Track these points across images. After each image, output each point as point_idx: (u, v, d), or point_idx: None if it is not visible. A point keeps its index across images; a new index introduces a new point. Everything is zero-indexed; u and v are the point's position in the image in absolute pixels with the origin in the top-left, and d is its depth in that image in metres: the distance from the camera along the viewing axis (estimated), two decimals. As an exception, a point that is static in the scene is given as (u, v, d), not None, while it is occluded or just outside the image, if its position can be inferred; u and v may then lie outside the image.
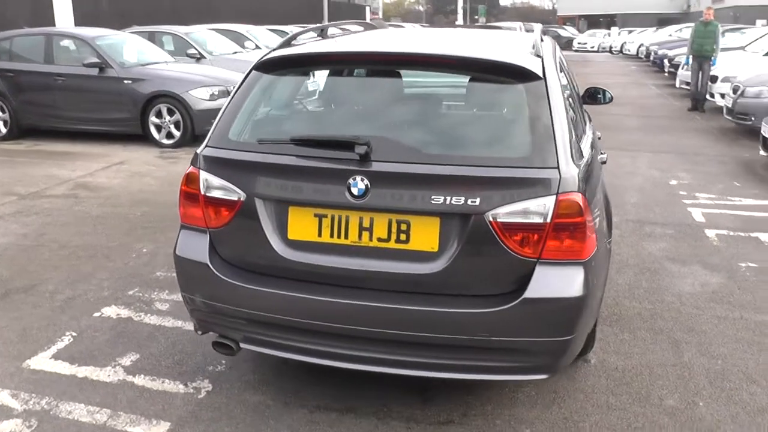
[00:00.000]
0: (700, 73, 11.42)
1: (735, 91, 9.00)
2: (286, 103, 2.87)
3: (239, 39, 12.81)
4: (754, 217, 5.71)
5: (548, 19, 67.26)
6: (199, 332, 2.88)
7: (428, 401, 2.98)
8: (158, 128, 8.46)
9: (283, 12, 24.73)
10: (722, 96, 10.61)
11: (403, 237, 2.48)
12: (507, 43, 3.11)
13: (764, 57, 11.27)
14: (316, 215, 2.53)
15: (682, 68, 13.51)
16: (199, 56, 10.84)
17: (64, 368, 3.27)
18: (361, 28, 3.88)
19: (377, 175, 2.43)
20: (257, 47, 12.88)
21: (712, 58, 11.12)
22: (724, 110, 9.62)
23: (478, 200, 2.39)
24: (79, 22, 13.80)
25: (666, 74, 18.60)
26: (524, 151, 2.47)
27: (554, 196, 2.39)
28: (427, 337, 2.48)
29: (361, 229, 2.50)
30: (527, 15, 74.58)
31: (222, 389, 3.08)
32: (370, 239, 2.50)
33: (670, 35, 28.39)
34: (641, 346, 3.52)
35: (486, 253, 2.44)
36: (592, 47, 41.78)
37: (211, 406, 2.96)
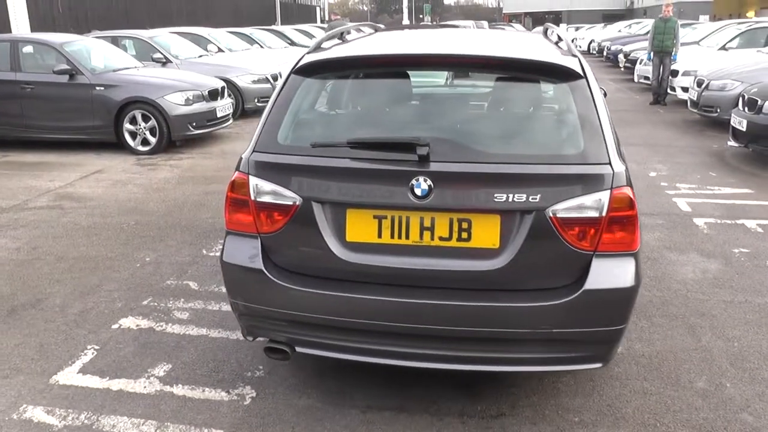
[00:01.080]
0: (661, 67, 11.85)
1: (699, 84, 9.39)
2: (331, 107, 2.87)
3: (200, 42, 12.60)
4: (736, 205, 5.98)
5: (493, 16, 68.41)
6: (249, 338, 2.86)
7: (476, 396, 3.03)
8: (133, 135, 8.26)
9: (236, 13, 24.42)
10: (684, 90, 11.06)
11: (464, 235, 2.52)
12: (533, 44, 3.19)
13: (719, 51, 11.79)
14: (375, 217, 2.55)
15: (642, 63, 14.00)
16: (165, 60, 10.62)
17: (95, 382, 3.19)
18: (371, 30, 3.91)
19: (440, 175, 2.47)
20: (220, 50, 12.70)
21: (673, 53, 11.54)
22: (689, 103, 10.02)
23: (538, 197, 2.46)
24: (35, 27, 13.32)
25: (622, 69, 19.20)
26: (577, 148, 2.55)
27: (609, 191, 2.49)
28: (490, 332, 2.53)
29: (423, 228, 2.53)
30: (472, 13, 75.69)
31: (267, 394, 3.06)
32: (432, 239, 2.54)
33: (620, 31, 29.27)
34: (660, 332, 3.66)
35: (546, 248, 2.51)
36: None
37: (260, 412, 2.94)
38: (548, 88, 2.72)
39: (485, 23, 28.66)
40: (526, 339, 2.55)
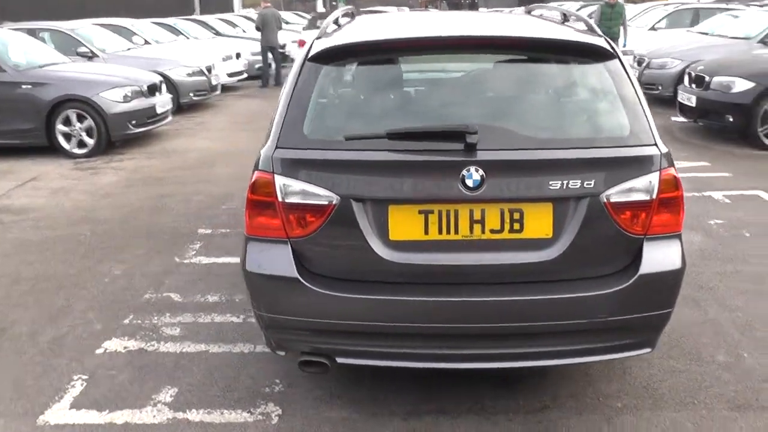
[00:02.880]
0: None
1: (640, 63, 9.65)
2: (357, 95, 2.65)
3: (124, 33, 11.85)
4: (697, 177, 6.14)
5: (409, 3, 68.29)
6: (281, 353, 2.62)
7: (515, 391, 2.92)
8: (67, 137, 7.61)
9: (153, 3, 23.24)
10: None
11: (516, 226, 2.39)
12: (549, 25, 3.06)
13: (650, 31, 12.17)
14: (421, 212, 2.37)
15: None
16: (91, 55, 9.88)
17: (93, 417, 2.86)
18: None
19: (491, 164, 2.32)
20: (147, 42, 12.01)
21: (623, 39, 11.64)
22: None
23: (593, 182, 2.36)
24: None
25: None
26: (625, 130, 2.46)
27: (658, 173, 2.42)
28: (546, 326, 2.42)
29: (473, 222, 2.38)
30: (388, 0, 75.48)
31: (294, 410, 2.84)
32: (483, 232, 2.39)
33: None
34: (668, 308, 3.67)
35: (601, 234, 2.42)
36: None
37: (292, 430, 2.72)
38: (583, 69, 2.61)
39: (406, 9, 28.51)
40: (582, 330, 2.45)
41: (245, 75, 13.62)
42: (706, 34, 10.94)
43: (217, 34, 16.39)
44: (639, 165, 2.41)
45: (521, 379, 2.99)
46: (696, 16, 13.64)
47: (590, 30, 2.83)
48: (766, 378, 3.03)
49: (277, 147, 2.43)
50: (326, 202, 2.36)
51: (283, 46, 13.99)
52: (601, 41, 2.63)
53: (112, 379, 3.12)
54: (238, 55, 13.38)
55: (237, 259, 4.48)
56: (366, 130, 2.41)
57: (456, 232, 2.38)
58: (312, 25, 14.65)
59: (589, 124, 2.53)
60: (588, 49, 2.60)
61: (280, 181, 2.39)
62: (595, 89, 2.57)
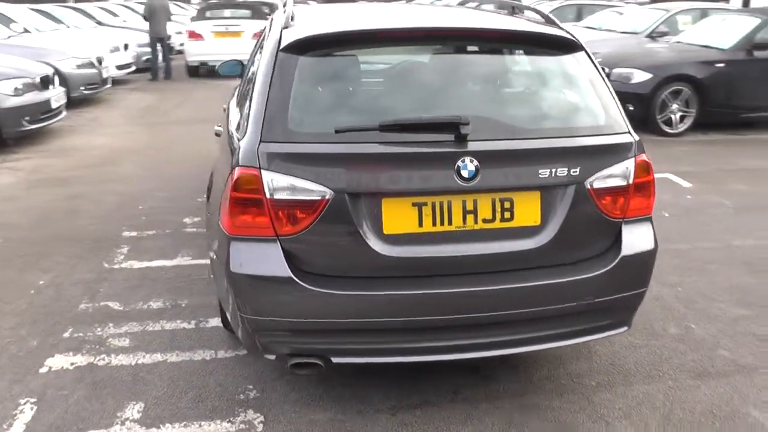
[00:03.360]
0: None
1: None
2: (340, 87, 2.55)
3: (0, 20, 10.78)
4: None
5: None
6: (270, 357, 2.49)
7: (491, 378, 2.96)
8: (-51, 136, 6.84)
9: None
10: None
11: (507, 215, 2.41)
12: (516, 19, 3.10)
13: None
14: (414, 204, 2.34)
15: None
16: (-36, 44, 8.92)
17: (52, 444, 2.60)
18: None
19: (485, 154, 2.32)
20: (26, 30, 10.99)
21: None
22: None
23: (578, 170, 2.43)
24: None
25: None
26: (601, 118, 2.56)
27: (633, 159, 2.54)
28: (539, 311, 2.47)
29: (465, 212, 2.37)
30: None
31: (277, 416, 2.72)
32: (475, 222, 2.39)
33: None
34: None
35: (585, 219, 2.49)
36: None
37: (281, 437, 2.61)
38: (557, 61, 2.66)
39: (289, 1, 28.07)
40: (571, 313, 2.53)
41: (134, 68, 12.87)
42: (594, 29, 11.63)
43: (99, 23, 15.35)
44: (617, 152, 2.52)
45: (491, 367, 3.03)
46: (579, 11, 14.47)
47: (551, 22, 2.90)
48: (714, 346, 3.27)
49: (261, 141, 2.30)
50: (319, 198, 2.27)
51: (169, 38, 13.36)
52: (568, 34, 2.71)
53: (65, 400, 2.84)
54: (126, 47, 12.60)
55: (172, 262, 4.32)
56: (355, 123, 2.33)
57: (450, 223, 2.37)
58: (201, 15, 13.99)
59: (569, 114, 2.60)
60: (560, 42, 2.67)
61: (267, 176, 2.27)
62: (570, 80, 2.64)
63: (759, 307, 3.68)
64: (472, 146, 2.32)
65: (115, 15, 17.61)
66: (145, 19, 12.97)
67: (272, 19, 3.55)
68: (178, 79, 13.28)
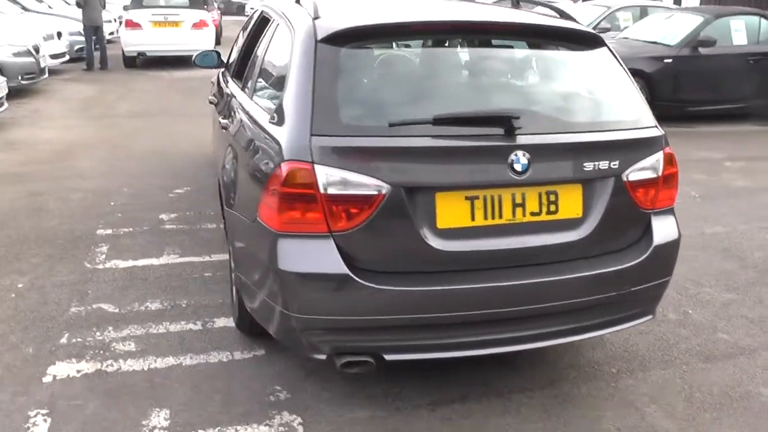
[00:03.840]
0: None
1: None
2: (386, 78, 2.50)
3: None
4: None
5: None
6: (321, 357, 2.41)
7: (516, 369, 3.00)
8: None
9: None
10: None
11: (552, 208, 2.44)
12: (537, 13, 3.14)
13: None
14: (467, 198, 2.33)
15: None
16: None
17: (75, 457, 2.45)
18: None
19: (536, 148, 2.35)
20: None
21: None
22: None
23: (617, 162, 2.49)
24: None
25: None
26: (633, 113, 2.63)
27: (662, 151, 2.63)
28: (581, 302, 2.52)
29: (515, 205, 2.39)
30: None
31: (315, 416, 2.65)
32: (523, 215, 2.41)
33: None
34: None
35: (621, 211, 2.56)
36: (267, 11, 42.30)
37: (324, 438, 2.55)
38: (588, 56, 2.71)
39: None
40: (609, 303, 2.59)
41: (67, 57, 12.21)
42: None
43: (24, 9, 14.45)
44: (649, 145, 2.60)
45: (515, 358, 3.07)
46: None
47: (570, 18, 2.95)
48: (713, 329, 3.44)
49: (312, 134, 2.23)
50: (375, 192, 2.23)
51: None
52: (588, 29, 2.77)
53: (81, 410, 2.68)
54: (59, 35, 11.93)
55: (159, 261, 4.14)
56: (406, 116, 2.30)
57: (500, 216, 2.38)
58: (138, 4, 13.37)
59: (605, 108, 2.66)
60: (587, 37, 2.72)
61: (321, 171, 2.21)
62: (600, 75, 2.70)
63: (744, 290, 3.89)
64: (522, 140, 2.34)
65: (39, 1, 16.62)
66: (79, 6, 12.31)
67: (272, 9, 3.44)
68: (115, 70, 12.69)
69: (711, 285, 3.94)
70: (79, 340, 3.19)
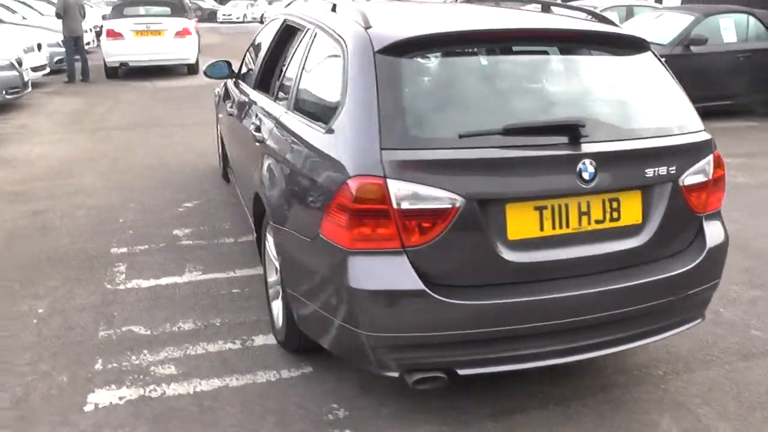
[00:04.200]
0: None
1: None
2: (448, 89, 2.47)
3: None
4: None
5: None
6: (393, 375, 2.37)
7: (567, 377, 2.98)
8: None
9: None
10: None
11: (615, 215, 2.45)
12: (576, 18, 3.14)
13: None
14: (536, 208, 2.32)
15: None
16: None
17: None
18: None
19: (601, 156, 2.34)
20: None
21: None
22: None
23: (675, 168, 2.50)
24: None
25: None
26: (684, 118, 2.65)
27: (711, 155, 2.64)
28: (643, 308, 2.51)
29: (581, 214, 2.39)
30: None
31: (380, 434, 2.61)
32: (588, 223, 2.41)
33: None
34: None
35: (678, 215, 2.57)
36: (238, 18, 42.07)
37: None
38: (637, 60, 2.71)
39: None
40: (667, 307, 2.59)
41: (48, 69, 11.96)
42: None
43: (0, 21, 14.12)
44: (701, 149, 2.62)
45: (566, 367, 3.06)
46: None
47: (611, 23, 2.96)
48: (746, 327, 3.47)
49: (382, 148, 2.19)
50: (449, 205, 2.20)
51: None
52: (639, 35, 2.78)
53: (132, 439, 2.61)
54: (39, 47, 11.69)
55: (183, 279, 4.05)
56: (474, 127, 2.28)
57: (567, 225, 2.37)
58: (118, 13, 13.16)
59: (659, 114, 2.66)
60: (635, 42, 2.74)
61: (394, 186, 2.17)
62: (651, 80, 2.71)
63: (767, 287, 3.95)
64: (588, 148, 2.33)
65: (13, 12, 16.26)
66: (59, 16, 12.07)
67: (303, 18, 3.38)
68: (97, 81, 12.47)
69: (736, 283, 3.98)
70: (114, 365, 3.10)
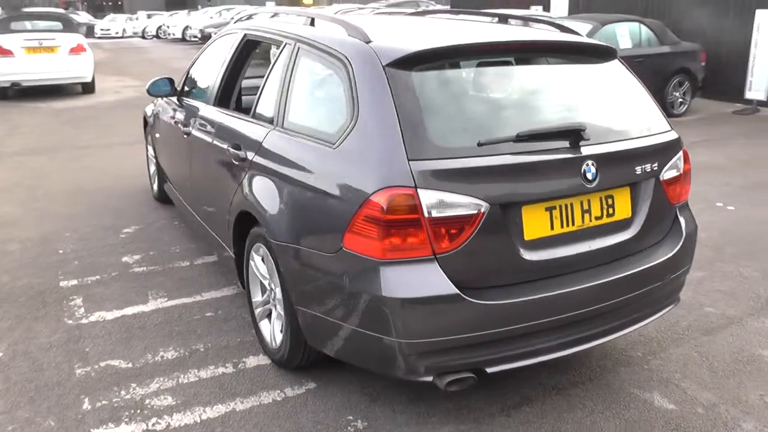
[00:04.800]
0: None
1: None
2: (459, 99, 2.56)
3: None
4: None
5: (33, 2, 57.90)
6: (426, 379, 2.42)
7: (559, 368, 3.14)
8: None
9: None
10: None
11: (610, 211, 2.64)
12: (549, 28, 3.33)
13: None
14: (547, 209, 2.47)
15: None
16: None
17: None
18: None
19: (600, 157, 2.52)
20: None
21: None
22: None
23: (656, 165, 2.74)
24: None
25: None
26: (656, 118, 2.89)
27: (681, 151, 2.92)
28: (636, 295, 2.71)
29: (583, 212, 2.55)
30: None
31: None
32: (590, 220, 2.58)
33: (212, 18, 30.02)
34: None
35: (659, 207, 2.81)
36: (117, 33, 40.35)
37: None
38: (611, 67, 2.93)
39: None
40: (656, 292, 2.82)
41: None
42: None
43: None
44: (673, 146, 2.87)
45: (555, 360, 3.21)
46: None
47: (578, 33, 3.18)
48: (700, 305, 3.80)
49: (409, 159, 2.26)
50: (475, 211, 2.30)
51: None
52: (610, 45, 3.02)
53: (150, 476, 2.49)
54: None
55: (147, 307, 3.90)
56: (493, 135, 2.40)
57: (573, 223, 2.53)
58: (5, 27, 12.20)
59: (639, 116, 2.88)
60: (609, 52, 2.96)
61: (425, 195, 2.24)
62: (625, 85, 2.93)
63: (709, 268, 4.33)
64: (589, 150, 2.51)
65: None
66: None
67: (278, 32, 3.33)
68: (-18, 104, 11.56)
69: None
70: (104, 402, 2.94)
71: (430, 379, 2.41)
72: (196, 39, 27.60)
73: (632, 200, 2.70)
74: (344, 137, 2.49)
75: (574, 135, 2.48)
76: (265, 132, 3.04)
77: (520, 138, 2.39)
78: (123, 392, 3.02)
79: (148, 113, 5.56)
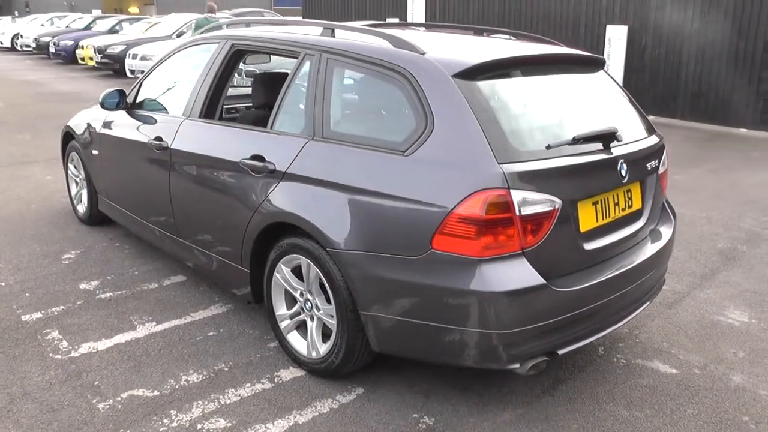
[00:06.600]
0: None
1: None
2: (519, 106, 2.81)
3: None
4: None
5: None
6: (514, 366, 2.62)
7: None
8: None
9: None
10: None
11: (630, 203, 3.03)
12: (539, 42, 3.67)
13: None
14: (594, 203, 2.78)
15: (131, 57, 15.70)
16: None
17: None
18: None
19: (629, 156, 2.92)
20: None
21: None
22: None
23: (657, 162, 3.20)
24: None
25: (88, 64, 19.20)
26: (645, 121, 3.35)
27: (665, 151, 3.39)
28: (650, 276, 3.12)
29: (615, 205, 2.92)
30: None
31: (444, 418, 2.82)
32: (618, 211, 2.95)
33: (43, 25, 27.65)
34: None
35: (657, 199, 3.27)
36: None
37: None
38: (598, 76, 3.32)
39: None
40: (661, 269, 3.27)
41: None
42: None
43: None
44: (660, 146, 3.33)
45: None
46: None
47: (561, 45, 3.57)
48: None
49: (499, 162, 2.47)
50: (551, 208, 2.56)
51: None
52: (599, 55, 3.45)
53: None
54: None
55: (138, 333, 3.75)
56: (556, 138, 2.71)
57: (609, 215, 2.88)
58: None
59: (636, 119, 3.29)
60: (602, 61, 3.37)
61: (516, 195, 2.46)
62: (616, 92, 3.35)
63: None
64: (620, 150, 2.90)
65: None
66: None
67: (295, 42, 3.34)
68: None
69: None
70: (152, 432, 2.80)
71: (516, 366, 2.62)
72: (30, 48, 25.16)
73: (642, 193, 3.11)
74: (418, 145, 2.62)
75: (610, 137, 2.84)
76: (301, 143, 3.05)
77: (576, 140, 2.70)
78: (166, 420, 2.88)
79: (78, 130, 5.15)
